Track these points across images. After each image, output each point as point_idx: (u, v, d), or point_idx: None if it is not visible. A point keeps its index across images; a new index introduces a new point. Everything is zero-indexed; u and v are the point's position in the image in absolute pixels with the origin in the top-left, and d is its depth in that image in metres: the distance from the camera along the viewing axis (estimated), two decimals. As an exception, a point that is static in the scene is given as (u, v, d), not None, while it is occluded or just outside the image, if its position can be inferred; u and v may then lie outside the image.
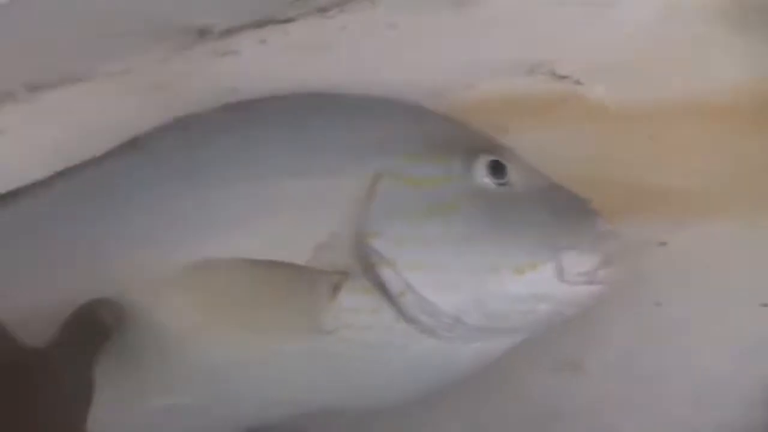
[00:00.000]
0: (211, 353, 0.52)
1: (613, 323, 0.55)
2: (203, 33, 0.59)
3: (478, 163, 0.52)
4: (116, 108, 0.60)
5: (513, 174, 0.52)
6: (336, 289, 0.51)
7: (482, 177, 0.52)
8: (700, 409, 0.55)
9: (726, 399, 0.55)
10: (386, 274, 0.50)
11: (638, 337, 0.56)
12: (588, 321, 0.53)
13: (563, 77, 0.57)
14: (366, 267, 0.51)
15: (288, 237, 0.51)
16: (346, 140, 0.53)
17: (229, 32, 0.59)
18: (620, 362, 0.55)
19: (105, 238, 0.55)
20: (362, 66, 0.58)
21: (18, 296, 0.55)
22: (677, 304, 0.56)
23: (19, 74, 0.60)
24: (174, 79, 0.60)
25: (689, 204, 0.56)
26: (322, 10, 0.58)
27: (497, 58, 0.58)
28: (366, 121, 0.54)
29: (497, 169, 0.52)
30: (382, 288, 0.50)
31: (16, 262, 0.56)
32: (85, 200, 0.56)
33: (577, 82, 0.57)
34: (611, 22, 0.58)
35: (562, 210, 0.52)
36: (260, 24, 0.59)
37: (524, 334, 0.52)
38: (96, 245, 0.54)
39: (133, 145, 0.58)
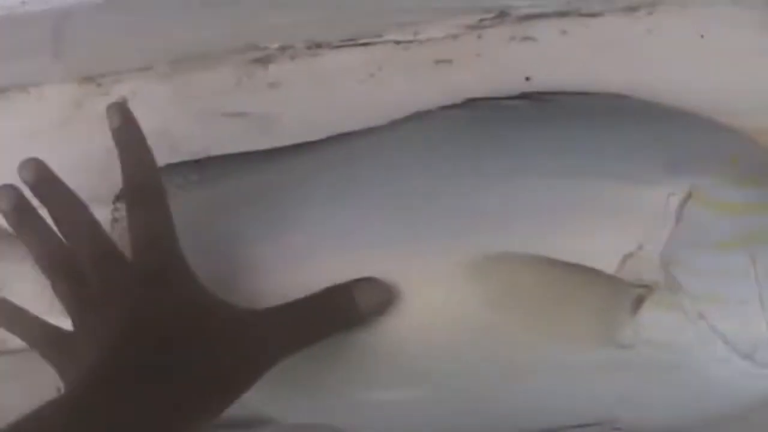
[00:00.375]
0: (490, 351, 0.50)
1: None
2: (503, 14, 0.57)
3: (797, 193, 0.49)
4: (395, 76, 0.59)
5: (829, 211, 0.50)
6: (639, 303, 0.48)
7: (799, 209, 0.49)
8: None
9: None
10: (683, 301, 0.48)
11: None
12: None
13: None
14: (669, 285, 0.49)
15: (595, 241, 0.49)
16: (661, 151, 0.51)
17: (529, 17, 0.57)
18: None
19: (368, 213, 0.53)
20: (664, 73, 0.55)
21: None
22: None
23: (302, 30, 0.58)
24: (462, 57, 0.58)
25: None
26: (631, 9, 0.56)
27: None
28: (681, 134, 0.52)
29: (816, 202, 0.49)
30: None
31: (265, 219, 0.55)
32: (352, 170, 0.55)
33: None
34: None
35: None
36: (563, 14, 0.56)
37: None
38: (358, 219, 0.53)
39: (418, 119, 0.56)
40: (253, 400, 0.54)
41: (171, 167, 0.59)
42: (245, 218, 0.56)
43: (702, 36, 0.56)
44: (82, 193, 0.58)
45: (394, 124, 0.56)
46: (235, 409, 0.54)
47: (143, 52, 0.59)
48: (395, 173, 0.54)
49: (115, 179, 0.57)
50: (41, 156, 0.59)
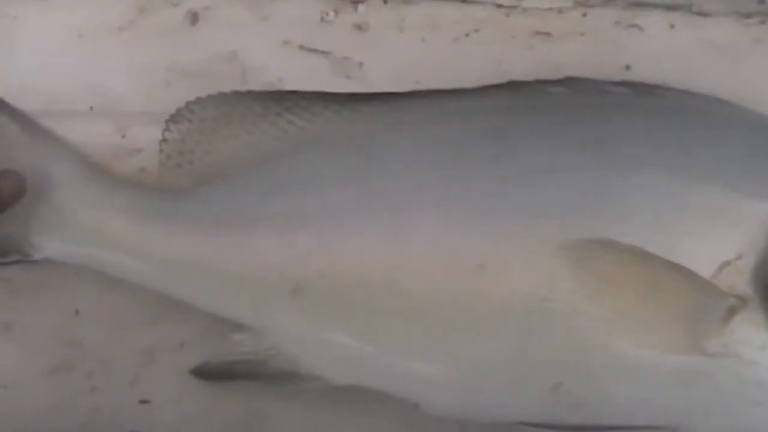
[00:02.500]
0: (569, 338, 0.48)
1: None
2: (614, -4, 0.55)
3: None
4: (491, 40, 0.56)
5: None
6: (731, 313, 0.47)
7: None
8: None
9: None
10: (775, 319, 0.47)
11: None
12: None
13: None
14: (762, 301, 0.47)
15: (695, 243, 0.48)
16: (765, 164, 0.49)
17: (639, 5, 0.55)
18: None
19: (464, 177, 0.51)
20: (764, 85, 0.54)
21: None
22: None
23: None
24: (563, 33, 0.56)
25: None
26: (744, 15, 0.55)
27: None
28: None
29: None
30: (774, 326, 0.47)
31: (348, 163, 0.52)
32: (445, 129, 0.53)
33: None
34: None
35: None
36: (674, 7, 0.55)
37: None
38: (455, 181, 0.50)
39: (515, 89, 0.53)
40: (306, 357, 0.52)
41: (238, 94, 0.54)
42: (319, 159, 0.52)
43: (810, 55, 0.55)
44: (135, 106, 0.55)
45: (488, 89, 0.53)
46: (284, 363, 0.52)
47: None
48: (493, 140, 0.51)
49: (171, 97, 0.54)
50: (91, 61, 0.56)
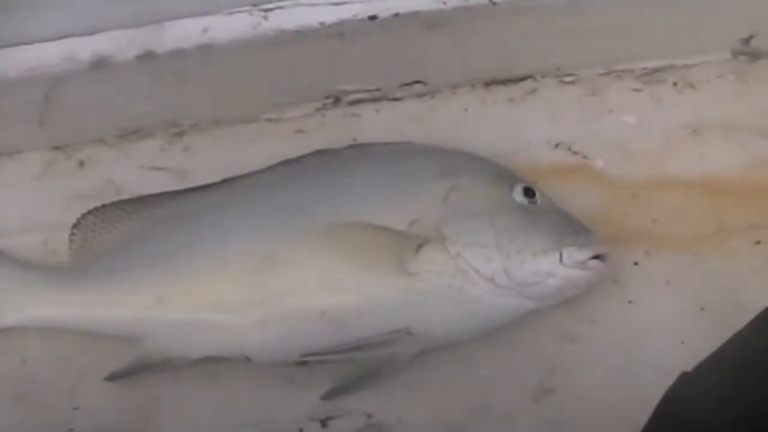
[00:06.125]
0: (331, 282, 0.76)
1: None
2: (338, 100, 0.88)
3: (518, 187, 0.79)
4: (267, 142, 0.89)
5: (539, 197, 0.79)
6: (420, 247, 0.75)
7: (519, 196, 0.78)
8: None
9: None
10: (448, 246, 0.75)
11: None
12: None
13: (576, 153, 0.86)
14: (437, 238, 0.77)
15: (395, 215, 0.77)
16: (438, 166, 0.80)
17: (355, 101, 0.88)
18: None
19: (264, 214, 0.80)
20: (447, 135, 0.86)
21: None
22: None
23: (205, 113, 0.89)
24: (312, 128, 0.88)
25: (653, 239, 0.83)
26: (419, 95, 0.88)
27: (535, 136, 0.86)
28: (447, 159, 0.82)
29: (529, 192, 0.79)
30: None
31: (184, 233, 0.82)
32: (247, 195, 0.82)
33: (585, 157, 0.86)
34: (610, 120, 0.88)
35: (568, 222, 0.78)
36: (377, 99, 0.88)
37: (539, 301, 0.77)
38: (260, 218, 0.80)
39: (285, 163, 0.84)
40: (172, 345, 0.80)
41: (114, 203, 0.86)
42: (167, 228, 0.83)
43: (466, 110, 0.88)
44: (45, 224, 0.85)
45: (269, 168, 0.84)
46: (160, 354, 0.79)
47: (97, 128, 0.89)
48: (270, 193, 0.81)
49: (73, 212, 0.84)
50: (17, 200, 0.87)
